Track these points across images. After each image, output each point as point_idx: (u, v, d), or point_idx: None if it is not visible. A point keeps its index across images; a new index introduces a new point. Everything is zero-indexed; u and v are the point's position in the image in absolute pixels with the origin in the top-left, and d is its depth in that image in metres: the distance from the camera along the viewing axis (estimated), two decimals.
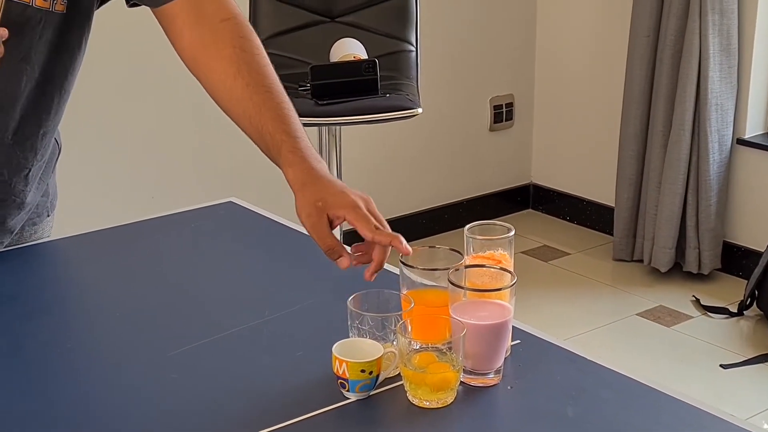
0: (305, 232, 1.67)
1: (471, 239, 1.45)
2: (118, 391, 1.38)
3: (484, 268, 1.41)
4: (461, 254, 1.45)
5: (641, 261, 3.99)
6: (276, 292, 1.69)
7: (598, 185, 4.26)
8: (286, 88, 3.10)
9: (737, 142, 3.83)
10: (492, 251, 1.45)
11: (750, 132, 3.85)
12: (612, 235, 4.09)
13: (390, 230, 1.44)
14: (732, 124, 3.79)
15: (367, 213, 1.44)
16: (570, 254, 4.11)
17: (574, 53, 4.30)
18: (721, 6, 3.64)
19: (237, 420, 1.31)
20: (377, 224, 1.43)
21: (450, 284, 1.36)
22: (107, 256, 1.85)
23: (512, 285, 1.37)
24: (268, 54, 3.14)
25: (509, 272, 1.39)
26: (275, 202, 2.21)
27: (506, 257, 1.45)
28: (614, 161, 4.03)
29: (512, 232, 1.46)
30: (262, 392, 1.37)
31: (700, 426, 1.30)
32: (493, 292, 1.37)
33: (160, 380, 1.41)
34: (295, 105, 3.09)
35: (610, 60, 4.09)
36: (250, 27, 1.61)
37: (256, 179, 3.36)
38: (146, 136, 3.59)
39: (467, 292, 1.37)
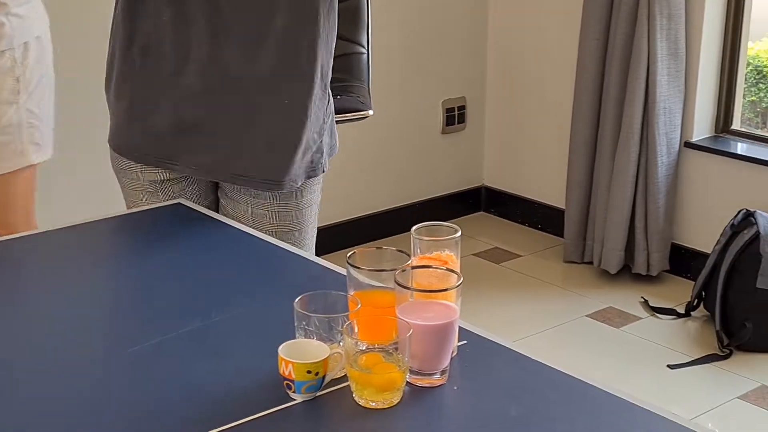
0: (253, 233, 1.68)
1: (418, 240, 1.46)
2: (65, 392, 1.37)
3: (431, 269, 1.42)
4: (408, 255, 1.45)
5: (591, 263, 4.02)
6: (223, 294, 1.69)
7: (550, 188, 4.29)
8: None
9: (685, 145, 3.87)
10: (439, 252, 1.46)
11: (697, 135, 3.89)
12: (563, 237, 4.12)
13: None
14: (680, 127, 3.83)
15: None
16: (521, 256, 4.13)
17: (525, 56, 4.33)
18: (669, 10, 3.68)
19: (184, 421, 1.30)
20: None
21: (396, 285, 1.37)
22: (54, 258, 1.84)
23: (458, 285, 1.37)
24: None
25: (455, 273, 1.40)
26: None
27: (453, 258, 1.45)
28: (565, 164, 4.05)
29: (459, 233, 1.46)
30: (209, 393, 1.37)
31: (645, 426, 1.31)
32: (440, 293, 1.38)
33: (106, 382, 1.40)
34: None
35: (560, 63, 4.12)
36: None
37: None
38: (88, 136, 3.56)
39: (414, 292, 1.38)
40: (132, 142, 2.00)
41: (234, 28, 1.86)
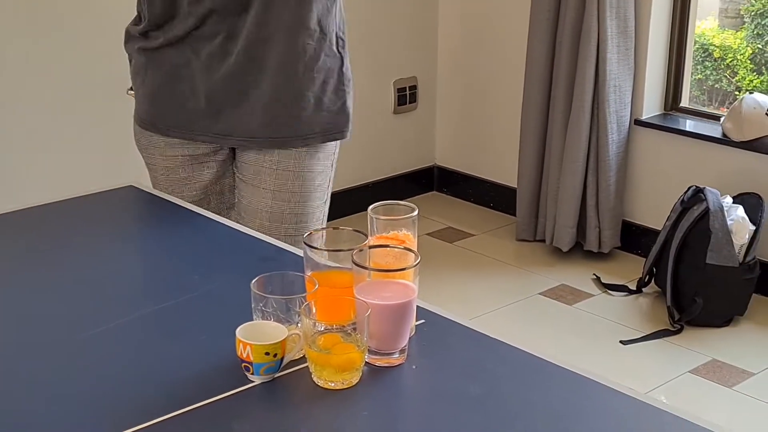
0: (208, 215, 1.66)
1: (375, 219, 1.45)
2: (22, 376, 1.35)
3: (388, 249, 1.42)
4: (365, 235, 1.44)
5: (543, 241, 4.05)
6: (178, 277, 1.68)
7: (501, 167, 4.30)
8: None
9: (635, 123, 3.90)
10: (396, 231, 1.45)
11: (647, 113, 3.92)
12: (515, 215, 4.14)
13: None
14: (630, 105, 3.86)
15: None
16: (474, 235, 4.14)
17: (476, 35, 4.33)
18: None
19: (142, 405, 1.29)
20: None
21: (354, 265, 1.36)
22: (3, 241, 1.80)
23: (416, 264, 1.37)
24: None
25: (413, 252, 1.40)
26: None
27: (410, 237, 1.45)
28: (517, 143, 4.06)
29: (416, 212, 1.46)
30: (167, 377, 1.35)
31: (602, 400, 1.32)
32: (397, 272, 1.37)
33: (63, 365, 1.39)
34: None
35: (511, 42, 4.13)
36: None
37: None
38: (38, 119, 3.51)
39: (371, 272, 1.37)
40: (158, 115, 2.05)
41: None
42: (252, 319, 1.40)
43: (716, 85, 4.33)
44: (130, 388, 1.33)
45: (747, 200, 3.52)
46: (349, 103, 2.06)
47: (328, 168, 2.09)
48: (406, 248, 1.41)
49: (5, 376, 1.36)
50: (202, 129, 2.01)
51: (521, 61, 3.98)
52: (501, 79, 4.25)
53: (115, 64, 3.24)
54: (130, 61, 2.09)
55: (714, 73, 4.24)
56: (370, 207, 1.47)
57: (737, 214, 3.43)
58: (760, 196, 3.53)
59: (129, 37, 2.07)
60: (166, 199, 1.96)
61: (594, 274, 3.81)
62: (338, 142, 2.10)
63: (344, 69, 2.04)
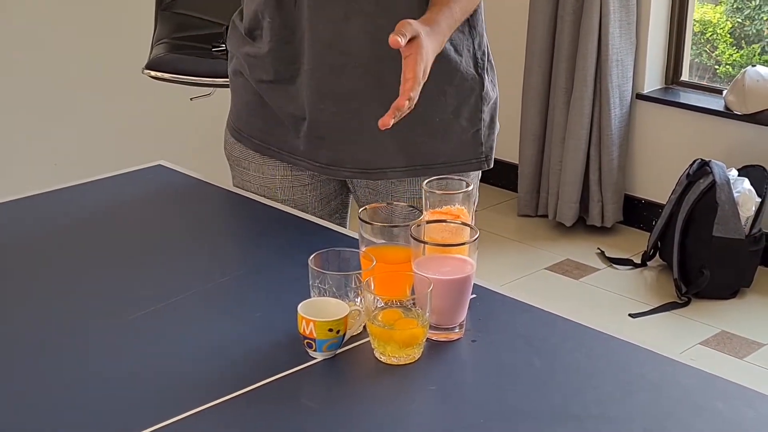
0: (243, 194, 1.64)
1: (429, 194, 1.45)
2: (80, 357, 1.34)
3: (444, 224, 1.41)
4: (420, 210, 1.44)
5: (546, 216, 4.06)
6: (222, 255, 1.67)
7: (502, 142, 4.27)
8: (197, 49, 3.04)
9: (637, 97, 3.91)
10: (449, 206, 1.45)
11: (648, 87, 3.93)
12: (516, 191, 4.14)
13: (414, 93, 1.50)
14: (631, 79, 3.87)
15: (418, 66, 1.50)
16: (476, 211, 4.14)
17: None
18: None
19: (202, 384, 1.28)
20: (414, 77, 1.49)
21: (413, 240, 1.36)
22: (43, 222, 1.78)
23: (475, 239, 1.37)
24: (177, 14, 3.08)
25: (471, 227, 1.40)
26: (207, 163, 2.15)
27: (464, 212, 1.45)
28: (518, 118, 4.07)
29: (471, 187, 1.46)
30: (226, 355, 1.35)
31: (666, 372, 1.33)
32: (457, 247, 1.37)
33: (119, 345, 1.38)
34: (205, 66, 3.00)
35: (512, 16, 4.11)
36: None
37: (182, 142, 3.30)
38: (62, 99, 3.49)
39: (426, 247, 1.37)
40: (254, 129, 1.83)
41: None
42: (308, 296, 1.39)
43: (696, 60, 4.35)
44: (190, 368, 1.32)
45: (752, 173, 3.54)
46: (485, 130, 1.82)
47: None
48: (463, 223, 1.41)
49: (64, 357, 1.35)
50: (306, 155, 1.78)
51: (522, 36, 3.98)
52: (501, 53, 4.21)
53: (137, 44, 3.24)
54: (230, 60, 1.86)
55: (694, 47, 4.26)
56: (425, 182, 1.47)
57: (743, 186, 3.45)
58: (764, 168, 3.55)
59: (232, 34, 1.84)
60: (197, 178, 1.94)
61: (598, 248, 3.83)
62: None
63: (484, 93, 1.80)
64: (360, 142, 1.71)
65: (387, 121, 1.48)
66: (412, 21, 1.52)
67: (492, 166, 1.85)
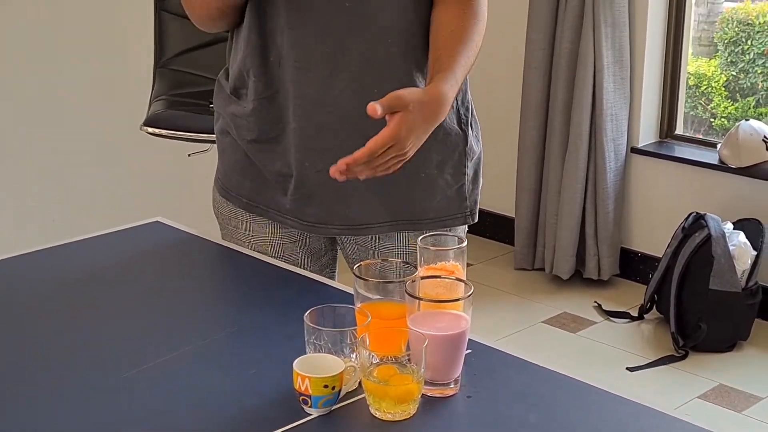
0: (240, 250, 1.65)
1: (424, 250, 1.46)
2: (75, 413, 1.34)
3: (439, 280, 1.42)
4: (414, 267, 1.45)
5: (542, 269, 4.06)
6: (218, 311, 1.67)
7: (498, 196, 4.31)
8: (195, 105, 3.06)
9: (632, 151, 3.93)
10: (444, 262, 1.46)
11: (643, 141, 3.96)
12: (512, 245, 4.15)
13: (370, 168, 1.52)
14: (626, 133, 3.89)
15: (384, 147, 1.51)
16: (472, 265, 4.15)
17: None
18: (613, 19, 3.74)
19: None
20: (378, 151, 1.51)
21: (407, 296, 1.36)
22: (39, 279, 1.78)
23: (470, 295, 1.37)
24: (175, 71, 3.10)
25: (465, 282, 1.40)
26: (205, 218, 2.14)
27: (458, 267, 1.46)
28: (513, 172, 4.09)
29: (464, 243, 1.47)
30: (221, 412, 1.34)
31: (662, 427, 1.32)
32: (451, 303, 1.38)
33: (114, 402, 1.37)
34: (202, 122, 3.01)
35: (507, 71, 4.15)
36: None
37: (180, 197, 3.31)
38: (60, 155, 3.50)
39: (421, 303, 1.37)
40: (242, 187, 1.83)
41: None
42: (303, 353, 1.39)
43: (692, 112, 4.39)
44: (186, 424, 1.32)
45: (747, 226, 3.56)
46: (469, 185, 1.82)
47: None
48: (457, 279, 1.42)
49: (58, 411, 1.34)
50: (293, 213, 1.78)
51: (518, 90, 4.01)
52: (497, 107, 4.27)
53: (137, 103, 3.26)
54: (216, 119, 1.87)
55: (690, 100, 4.29)
56: (419, 238, 1.48)
57: (739, 239, 3.46)
58: (760, 222, 3.56)
59: (218, 93, 1.85)
60: (194, 234, 1.95)
61: (595, 302, 3.83)
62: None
63: (468, 148, 1.80)
64: (346, 200, 1.72)
65: (333, 171, 1.51)
66: (404, 93, 1.53)
67: (476, 220, 1.85)
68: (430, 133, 1.60)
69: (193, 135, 2.82)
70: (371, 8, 1.67)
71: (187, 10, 1.78)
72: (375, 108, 1.48)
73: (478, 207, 1.85)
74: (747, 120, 3.73)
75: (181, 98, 2.98)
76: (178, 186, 3.42)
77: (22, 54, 3.39)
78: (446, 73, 1.62)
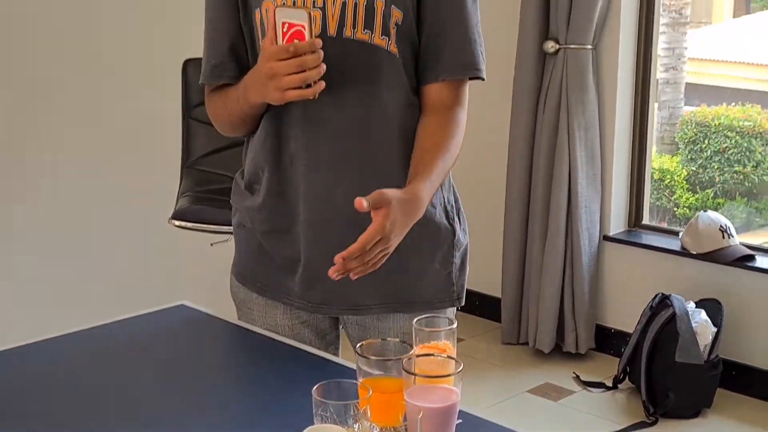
0: (255, 330, 1.64)
1: (419, 331, 1.46)
2: None
3: (432, 357, 1.42)
4: (410, 346, 1.45)
5: (526, 344, 4.04)
6: (234, 386, 1.67)
7: (486, 278, 4.31)
8: (217, 200, 3.08)
9: (604, 238, 3.95)
10: (436, 341, 1.46)
11: (614, 230, 3.97)
12: (500, 322, 4.14)
13: (362, 263, 1.53)
14: (599, 223, 3.91)
15: (373, 240, 1.52)
16: (463, 340, 4.13)
17: (461, 162, 4.37)
18: (585, 123, 3.78)
19: None
20: (369, 244, 1.52)
21: (404, 371, 1.36)
22: (59, 363, 1.73)
23: (459, 371, 1.37)
24: (200, 170, 3.13)
25: (455, 360, 1.40)
26: (226, 301, 2.14)
27: (449, 346, 1.46)
28: (499, 258, 4.09)
29: (455, 324, 1.47)
30: None
31: None
32: (443, 378, 1.37)
33: None
34: (223, 215, 3.01)
35: (492, 167, 4.18)
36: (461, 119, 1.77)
37: (204, 282, 3.30)
38: (78, 237, 3.51)
39: (416, 378, 1.37)
40: (256, 271, 1.84)
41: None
42: (312, 423, 1.38)
43: (657, 203, 4.41)
44: None
45: (708, 305, 3.55)
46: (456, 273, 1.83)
47: None
48: (449, 356, 1.42)
49: None
50: (300, 296, 1.79)
51: (502, 185, 4.03)
52: (484, 201, 4.29)
53: (162, 191, 3.28)
54: (234, 214, 1.89)
55: (655, 192, 4.32)
56: (415, 320, 1.48)
57: (700, 317, 3.46)
58: (718, 301, 3.56)
59: (235, 190, 1.88)
60: (215, 315, 1.95)
61: (574, 373, 3.80)
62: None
63: (455, 240, 1.81)
64: (348, 284, 1.70)
65: (331, 273, 1.52)
66: (387, 192, 1.55)
67: (463, 303, 1.86)
68: (409, 228, 1.61)
69: (215, 227, 2.84)
70: (375, 120, 1.70)
71: (212, 119, 1.81)
72: (362, 203, 1.50)
73: (464, 291, 1.85)
74: (705, 211, 3.75)
75: (205, 194, 3.01)
76: (202, 272, 3.42)
77: (66, 155, 3.42)
78: (424, 177, 1.64)
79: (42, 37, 3.32)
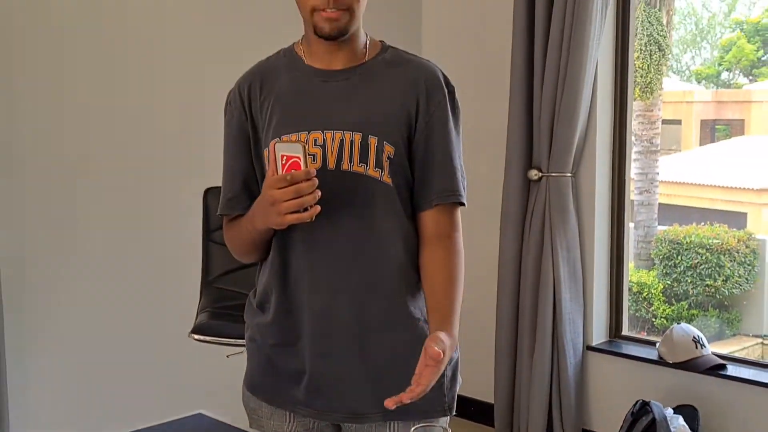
0: None
1: None
2: None
3: None
4: None
5: None
6: None
7: (479, 385, 4.28)
8: (233, 316, 3.09)
9: (587, 349, 3.94)
10: None
11: (596, 340, 3.97)
12: (493, 426, 4.09)
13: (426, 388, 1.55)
14: (582, 334, 3.91)
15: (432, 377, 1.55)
16: None
17: None
18: (567, 243, 3.82)
19: None
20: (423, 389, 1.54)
21: None
22: None
23: None
24: (218, 288, 3.14)
25: None
26: (240, 410, 2.15)
27: None
28: (491, 367, 4.08)
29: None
30: None
31: None
32: None
33: None
34: (238, 330, 3.02)
35: (483, 285, 4.20)
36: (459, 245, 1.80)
37: (220, 393, 3.28)
38: (102, 349, 3.50)
39: None
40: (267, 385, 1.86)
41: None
42: None
43: (637, 314, 4.42)
44: None
45: (685, 411, 3.52)
46: (447, 384, 1.83)
47: None
48: None
49: None
50: (305, 404, 1.81)
51: (493, 304, 4.05)
52: (477, 318, 4.30)
53: (180, 304, 3.28)
54: (246, 329, 1.93)
55: (634, 304, 4.33)
56: (412, 429, 1.48)
57: (678, 422, 3.42)
58: (695, 407, 3.53)
59: (248, 308, 1.92)
60: (230, 424, 1.94)
61: None
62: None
63: None
64: (348, 393, 1.75)
65: (389, 404, 1.54)
66: (442, 336, 1.60)
67: (455, 412, 1.87)
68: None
69: (232, 341, 2.85)
70: (367, 245, 1.74)
71: (229, 246, 1.86)
72: (436, 351, 1.56)
73: (455, 401, 1.86)
74: (679, 323, 3.76)
75: (222, 310, 3.03)
76: (218, 382, 3.40)
77: (98, 269, 3.45)
78: (449, 317, 1.70)
79: (71, 162, 3.39)
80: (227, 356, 2.96)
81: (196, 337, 2.86)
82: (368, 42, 1.79)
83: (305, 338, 1.78)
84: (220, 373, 3.51)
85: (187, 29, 3.61)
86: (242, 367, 2.04)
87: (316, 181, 1.60)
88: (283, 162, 1.60)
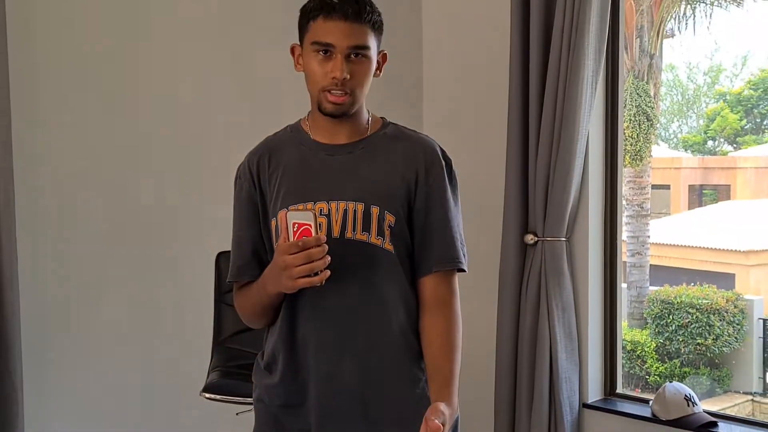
0: None
1: None
2: None
3: None
4: None
5: None
6: None
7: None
8: (243, 375, 3.07)
9: (583, 406, 3.90)
10: None
11: (592, 398, 3.93)
12: None
13: None
14: (578, 392, 3.87)
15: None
16: None
17: None
18: (562, 304, 3.81)
19: None
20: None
21: None
22: None
23: None
24: (229, 348, 3.14)
25: None
26: None
27: None
28: (491, 426, 4.03)
29: None
30: None
31: None
32: None
33: None
34: (247, 389, 3.01)
35: (482, 346, 4.17)
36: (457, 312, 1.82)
37: None
38: (116, 405, 3.48)
39: None
40: None
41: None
42: None
43: (631, 371, 4.39)
44: None
45: None
46: None
47: None
48: None
49: None
50: None
51: (491, 363, 4.02)
52: (475, 377, 4.27)
53: (198, 372, 3.27)
54: (254, 390, 1.95)
55: (628, 362, 4.31)
56: None
57: None
58: None
59: (256, 369, 1.94)
60: None
61: None
62: None
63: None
64: None
65: None
66: (442, 407, 1.62)
67: None
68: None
69: (241, 399, 2.83)
70: (371, 310, 1.76)
71: (239, 312, 1.87)
72: (437, 425, 1.56)
73: None
74: (671, 382, 3.73)
75: (233, 369, 3.02)
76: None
77: (115, 324, 3.44)
78: (449, 385, 1.71)
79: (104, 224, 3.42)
80: (237, 414, 2.94)
81: (207, 395, 2.84)
82: (370, 118, 1.83)
83: (311, 400, 1.78)
84: (230, 430, 3.49)
85: (196, 109, 3.66)
86: (251, 424, 2.03)
87: (326, 247, 1.62)
88: (295, 229, 1.63)
